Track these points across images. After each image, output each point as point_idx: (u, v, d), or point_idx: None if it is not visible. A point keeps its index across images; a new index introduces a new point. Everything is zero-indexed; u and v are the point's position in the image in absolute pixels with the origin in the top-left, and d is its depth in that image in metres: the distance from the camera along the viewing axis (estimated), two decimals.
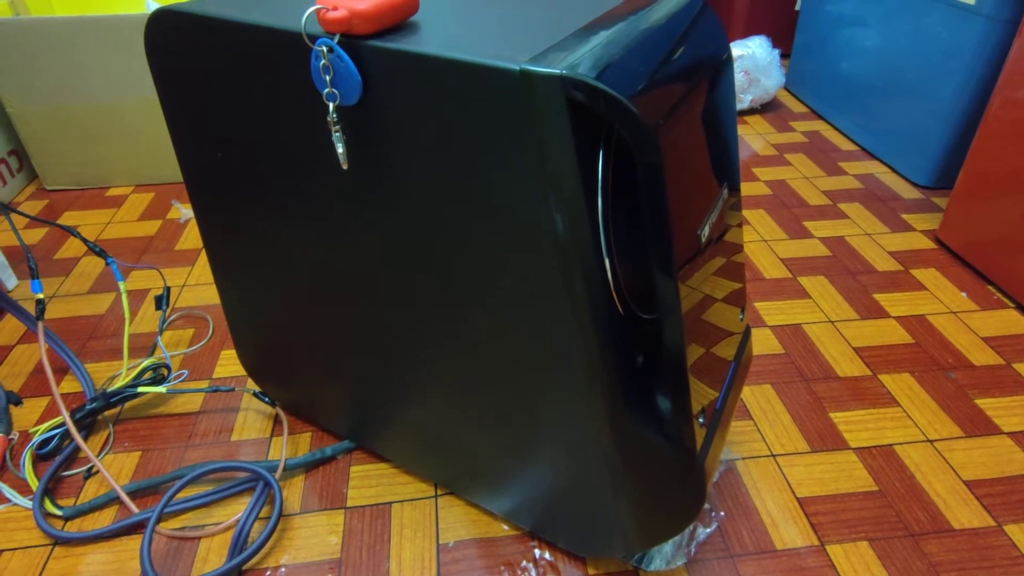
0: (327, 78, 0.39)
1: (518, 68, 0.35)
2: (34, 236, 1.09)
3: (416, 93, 0.39)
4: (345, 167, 0.43)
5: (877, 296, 0.94)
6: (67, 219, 1.14)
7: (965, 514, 0.64)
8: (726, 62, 0.48)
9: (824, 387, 0.79)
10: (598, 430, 0.48)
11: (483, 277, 0.45)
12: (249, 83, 0.46)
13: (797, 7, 1.68)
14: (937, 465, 0.69)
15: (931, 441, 0.72)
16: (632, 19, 0.43)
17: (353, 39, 0.39)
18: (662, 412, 0.49)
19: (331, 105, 0.40)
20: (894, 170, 1.27)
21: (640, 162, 0.37)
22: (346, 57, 0.38)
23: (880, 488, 0.67)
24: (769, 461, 0.70)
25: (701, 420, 0.50)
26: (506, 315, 0.46)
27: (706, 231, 0.45)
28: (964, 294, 0.94)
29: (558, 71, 0.34)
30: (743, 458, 0.70)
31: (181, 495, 0.66)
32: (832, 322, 0.89)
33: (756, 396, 0.78)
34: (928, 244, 1.05)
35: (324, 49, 0.38)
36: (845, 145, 1.37)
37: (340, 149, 0.42)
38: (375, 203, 0.46)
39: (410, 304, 0.52)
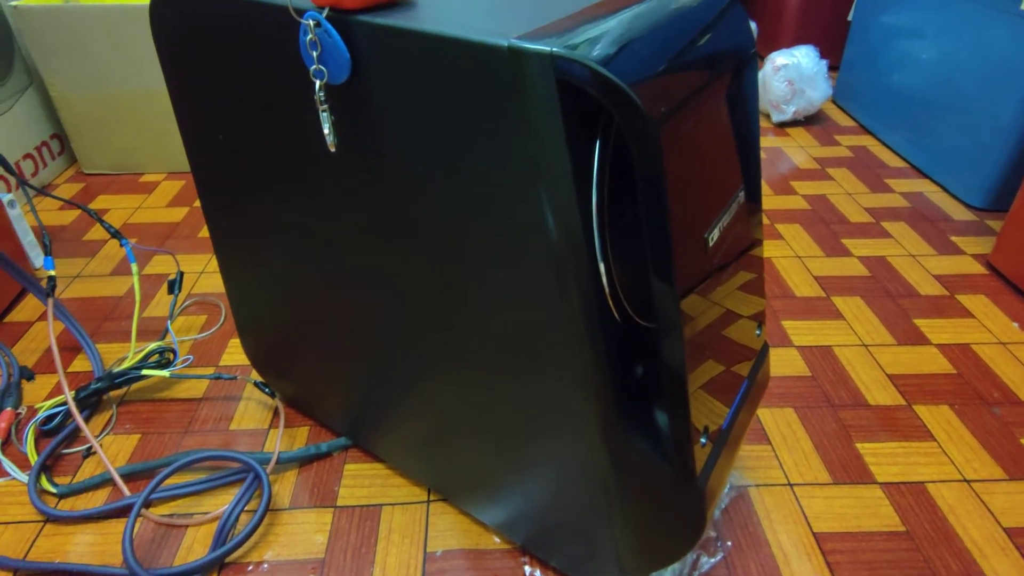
0: (314, 54, 0.38)
1: (507, 44, 0.32)
2: (66, 217, 1.12)
3: (405, 72, 0.37)
4: (332, 149, 0.41)
5: (918, 321, 0.88)
6: (100, 202, 1.17)
7: (1003, 565, 0.58)
8: (750, 59, 0.45)
9: (852, 415, 0.74)
10: (591, 443, 0.45)
11: (474, 275, 0.43)
12: (245, 61, 0.45)
13: (849, 17, 1.61)
14: (974, 508, 0.63)
15: (968, 481, 0.66)
16: (646, 4, 0.40)
17: (342, 13, 0.37)
18: (660, 428, 0.45)
19: (318, 83, 0.38)
20: (945, 189, 1.19)
21: (638, 156, 0.34)
22: (334, 32, 0.37)
23: (907, 529, 0.61)
24: (785, 490, 0.65)
25: (704, 440, 0.46)
26: (498, 313, 0.44)
27: (715, 236, 0.42)
28: (1016, 324, 0.87)
29: (548, 49, 0.31)
30: (757, 485, 0.65)
31: (172, 481, 0.65)
32: (866, 346, 0.83)
33: (776, 420, 0.73)
34: (978, 269, 0.98)
35: (311, 23, 0.37)
36: (893, 162, 1.29)
37: (327, 130, 0.40)
38: (363, 189, 0.44)
39: (403, 299, 0.50)
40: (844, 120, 1.48)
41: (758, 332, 0.55)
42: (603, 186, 0.37)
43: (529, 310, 0.42)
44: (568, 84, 0.33)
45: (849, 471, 0.67)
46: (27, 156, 1.18)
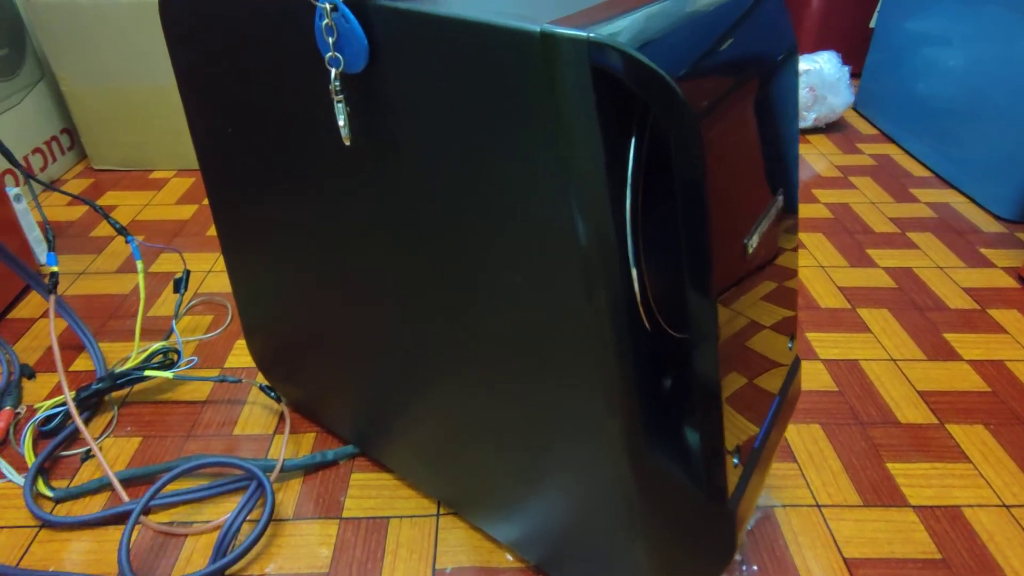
0: (330, 40, 0.35)
1: (539, 29, 0.30)
2: (73, 213, 1.10)
3: (427, 60, 0.34)
4: (347, 143, 0.39)
5: (948, 336, 0.84)
6: (109, 199, 1.16)
7: None
8: (790, 55, 0.42)
9: (882, 433, 0.70)
10: (615, 460, 0.42)
11: (494, 278, 0.40)
12: (257, 51, 0.43)
13: (871, 24, 1.58)
14: (1014, 535, 0.60)
15: (1007, 507, 0.62)
16: None
17: None
18: (690, 446, 0.42)
19: (333, 71, 0.36)
20: (973, 200, 1.15)
21: (678, 152, 0.31)
22: (351, 17, 0.34)
23: (944, 556, 0.58)
24: (813, 512, 0.62)
25: (736, 459, 0.43)
26: (518, 320, 0.41)
27: (754, 241, 0.39)
28: None
29: (585, 34, 0.29)
30: (783, 506, 0.62)
31: (173, 487, 0.63)
32: (894, 361, 0.80)
33: (803, 436, 0.70)
34: (1010, 283, 0.94)
35: (328, 7, 0.34)
36: (918, 171, 1.26)
37: (342, 122, 0.37)
38: (377, 186, 0.41)
39: (416, 303, 0.47)
40: (866, 128, 1.44)
41: (790, 345, 0.52)
42: (637, 186, 0.34)
43: (552, 317, 0.39)
44: (603, 74, 0.30)
45: (880, 493, 0.64)
46: (36, 151, 1.17)
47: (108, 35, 1.10)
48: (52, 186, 0.70)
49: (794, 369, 0.54)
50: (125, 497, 0.61)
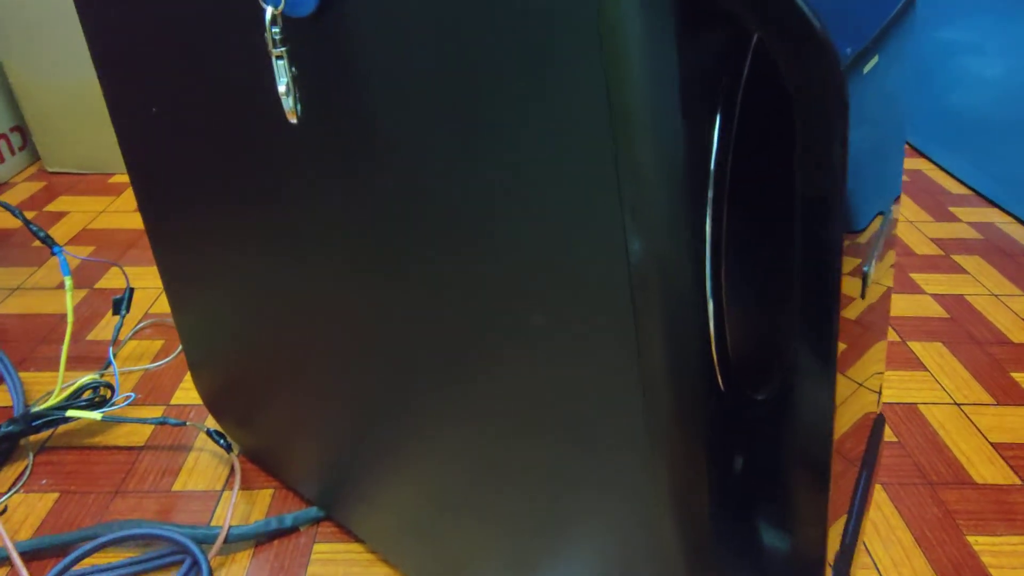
0: None
1: None
2: (17, 220, 0.98)
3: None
4: (294, 120, 0.27)
5: (1016, 376, 0.73)
6: (62, 204, 1.03)
7: None
8: (910, 6, 0.31)
9: (956, 496, 0.59)
10: (669, 568, 0.30)
11: (502, 309, 0.29)
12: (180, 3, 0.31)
13: None
14: None
15: None
16: None
17: None
18: (771, 552, 0.30)
19: (269, 11, 0.24)
20: (1020, 220, 1.05)
21: (808, 125, 0.20)
22: None
23: None
24: None
25: (832, 570, 0.31)
26: (537, 369, 0.29)
27: (872, 268, 0.27)
28: None
29: None
30: None
31: (88, 563, 0.50)
32: (958, 405, 0.69)
33: None
34: None
35: None
36: (955, 188, 1.16)
37: (283, 88, 0.26)
38: (343, 183, 0.30)
39: (398, 335, 0.35)
40: None
41: (878, 400, 0.41)
42: (723, 182, 0.23)
43: (583, 368, 0.27)
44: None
45: None
46: None
47: (63, 24, 0.98)
48: None
49: (879, 430, 0.43)
50: (25, 575, 0.49)
